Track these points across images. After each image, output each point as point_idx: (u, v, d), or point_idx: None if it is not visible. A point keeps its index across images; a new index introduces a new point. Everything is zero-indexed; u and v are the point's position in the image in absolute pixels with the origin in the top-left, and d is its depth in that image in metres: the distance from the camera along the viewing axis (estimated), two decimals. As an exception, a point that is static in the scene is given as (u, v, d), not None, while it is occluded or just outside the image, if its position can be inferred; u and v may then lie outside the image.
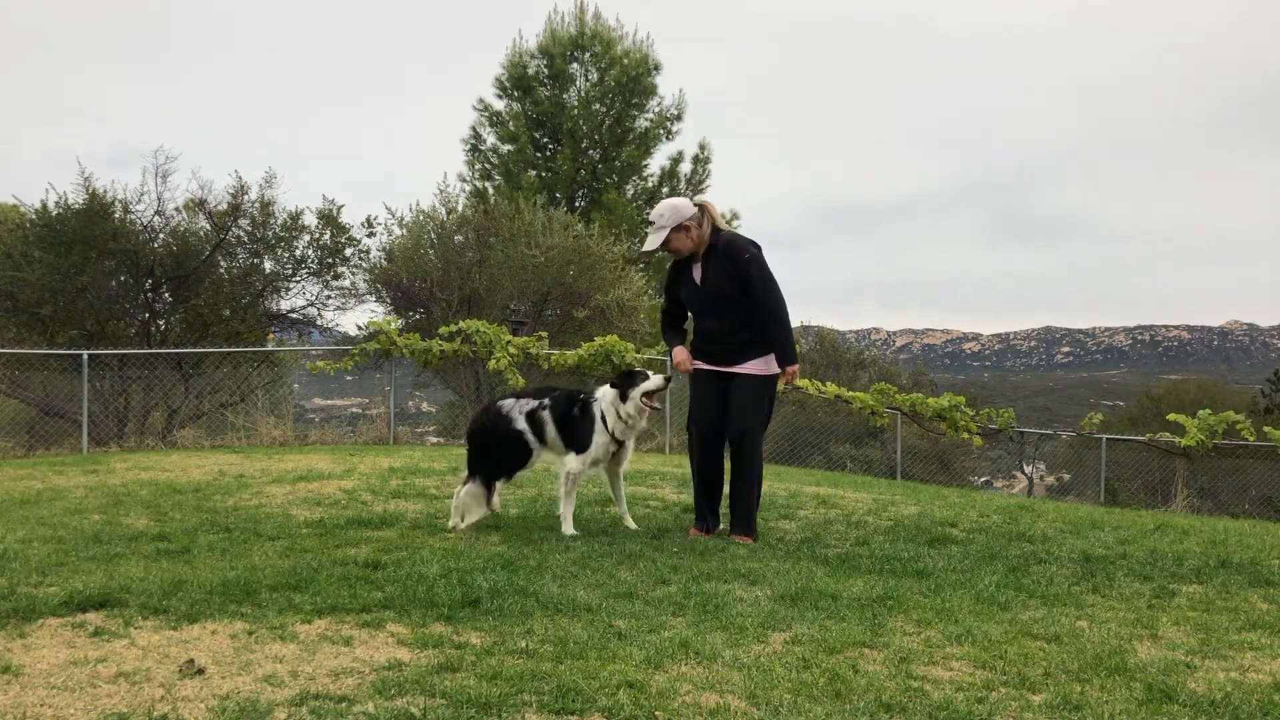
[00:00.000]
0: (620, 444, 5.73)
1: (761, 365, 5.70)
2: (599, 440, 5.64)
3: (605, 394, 5.69)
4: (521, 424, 5.67)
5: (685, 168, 25.00)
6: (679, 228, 5.60)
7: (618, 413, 5.59)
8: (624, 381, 5.65)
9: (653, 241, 5.71)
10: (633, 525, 5.81)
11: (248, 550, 4.98)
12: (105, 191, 14.38)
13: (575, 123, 24.14)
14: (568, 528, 5.55)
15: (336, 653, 3.29)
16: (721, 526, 5.82)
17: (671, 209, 5.62)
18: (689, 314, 5.94)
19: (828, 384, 14.83)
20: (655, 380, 5.61)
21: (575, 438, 5.63)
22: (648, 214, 5.80)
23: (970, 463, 19.25)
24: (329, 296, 16.07)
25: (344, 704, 2.80)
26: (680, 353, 5.85)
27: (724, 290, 5.65)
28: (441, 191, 20.00)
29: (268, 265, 15.72)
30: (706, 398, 5.73)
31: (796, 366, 5.79)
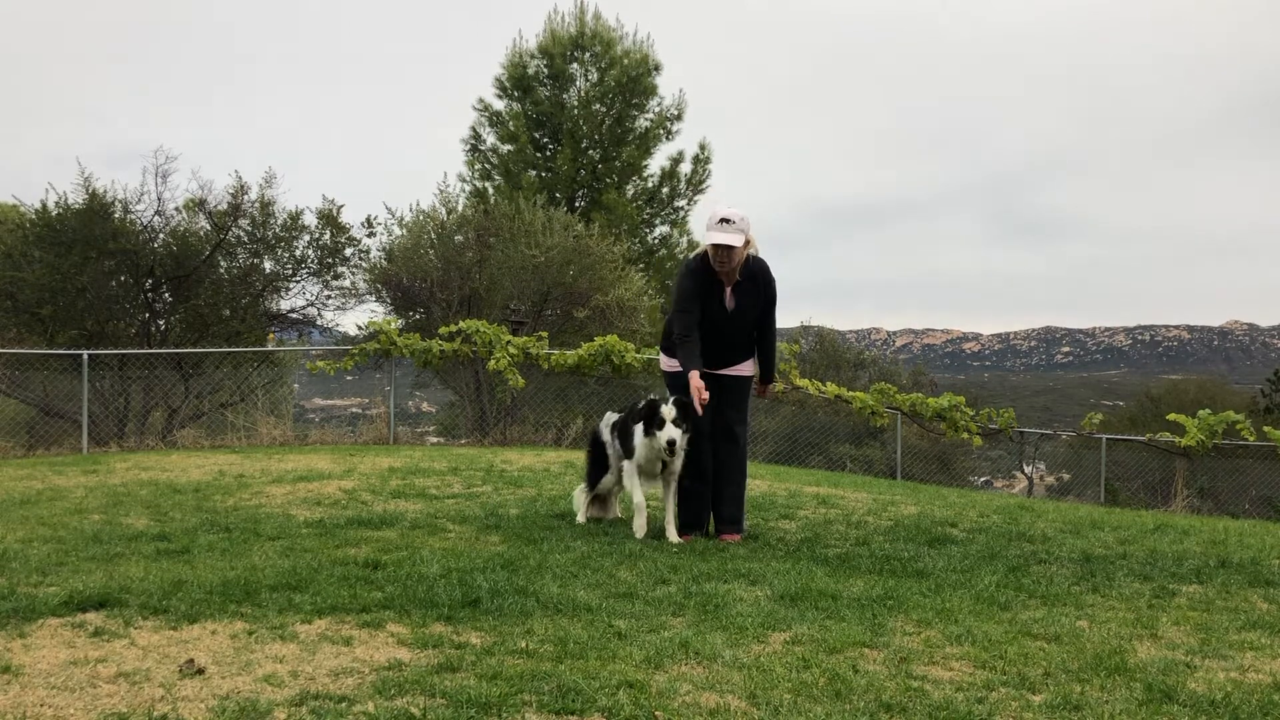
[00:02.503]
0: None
1: (749, 367, 5.86)
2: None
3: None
4: None
5: (685, 168, 25.03)
6: (746, 241, 5.53)
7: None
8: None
9: (733, 238, 5.45)
10: (674, 539, 5.55)
11: (248, 550, 4.98)
12: (105, 191, 14.40)
13: (575, 123, 24.14)
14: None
15: (336, 653, 3.29)
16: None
17: (747, 219, 5.53)
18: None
19: (828, 384, 14.83)
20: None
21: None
22: (719, 210, 5.56)
23: (970, 463, 19.24)
24: (329, 296, 16.08)
25: (344, 704, 2.80)
26: (698, 383, 5.42)
27: (750, 315, 5.71)
28: (441, 191, 20.03)
29: (268, 265, 15.72)
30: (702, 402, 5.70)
31: (773, 385, 6.20)
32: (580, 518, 6.09)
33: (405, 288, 16.49)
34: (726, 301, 5.66)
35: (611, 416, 6.17)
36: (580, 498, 6.23)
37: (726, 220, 5.49)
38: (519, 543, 5.29)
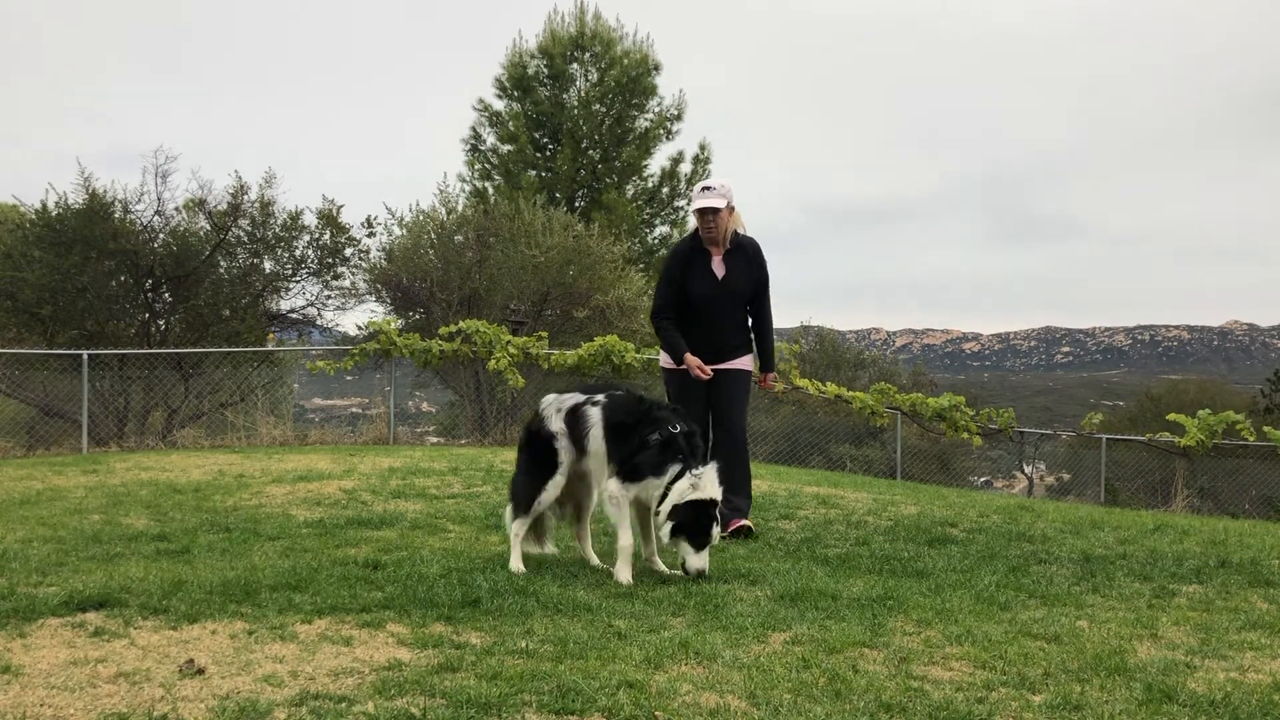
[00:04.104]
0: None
1: (748, 362, 5.94)
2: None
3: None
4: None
5: (685, 168, 25.03)
6: (729, 206, 5.69)
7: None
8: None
9: (714, 201, 5.63)
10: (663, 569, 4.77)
11: (248, 550, 4.98)
12: (105, 191, 14.40)
13: (575, 123, 24.14)
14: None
15: (336, 653, 3.29)
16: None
17: (729, 186, 5.71)
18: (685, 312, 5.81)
19: (828, 384, 14.83)
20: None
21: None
22: (702, 182, 5.90)
23: (970, 463, 19.23)
24: (329, 296, 16.09)
25: (344, 704, 2.80)
26: (694, 359, 5.65)
27: (742, 289, 5.78)
28: (441, 191, 20.03)
29: (268, 265, 15.72)
30: (697, 397, 5.75)
31: (773, 376, 6.17)
32: (515, 563, 4.63)
33: (405, 288, 16.49)
34: (716, 269, 5.74)
35: (561, 400, 4.86)
36: (515, 530, 4.74)
37: (708, 188, 5.72)
38: (519, 543, 5.28)
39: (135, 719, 2.69)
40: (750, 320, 5.96)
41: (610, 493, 4.56)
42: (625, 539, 4.51)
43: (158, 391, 13.69)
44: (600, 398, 4.74)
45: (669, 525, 4.44)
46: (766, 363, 6.07)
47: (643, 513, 4.72)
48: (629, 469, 4.53)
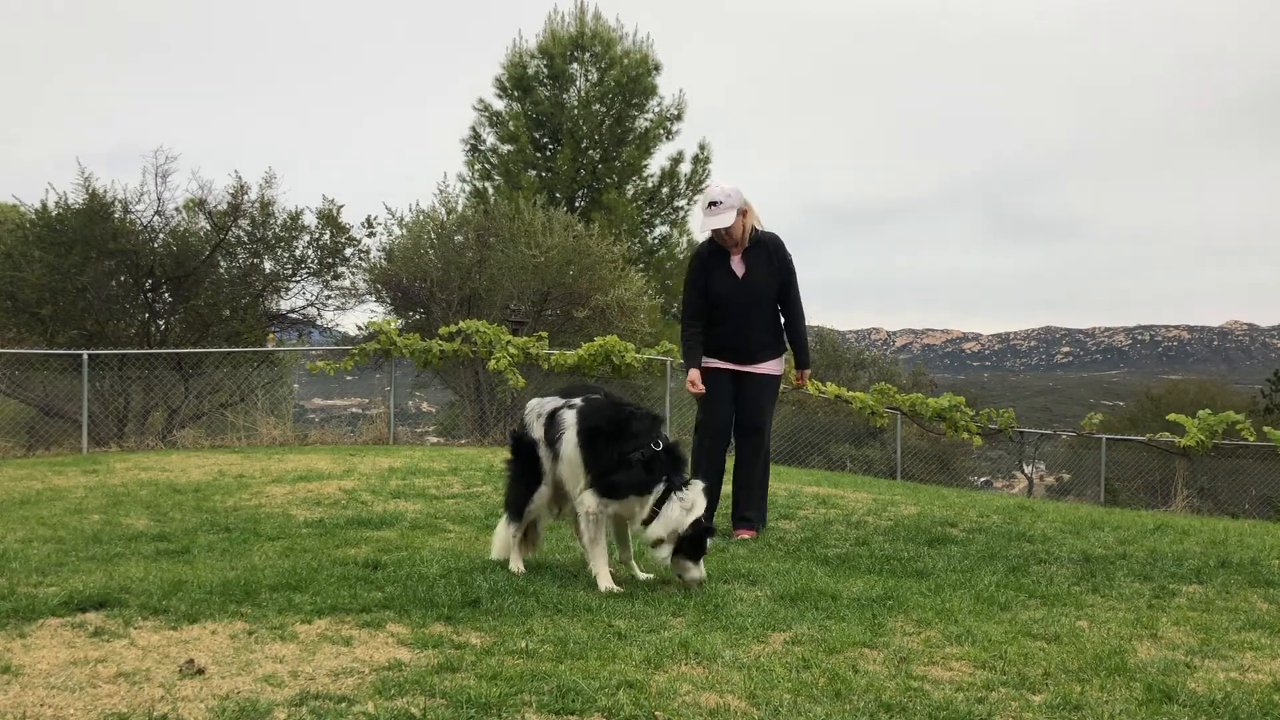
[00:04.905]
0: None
1: (777, 366, 5.86)
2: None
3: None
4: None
5: (685, 168, 25.04)
6: (741, 211, 5.58)
7: None
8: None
9: (726, 219, 5.52)
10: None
11: (248, 550, 4.98)
12: (105, 191, 14.41)
13: (575, 123, 24.15)
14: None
15: (336, 653, 3.29)
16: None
17: (736, 191, 5.58)
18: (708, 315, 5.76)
19: (828, 384, 14.84)
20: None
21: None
22: (706, 195, 5.63)
23: (970, 463, 19.23)
24: (329, 296, 16.10)
25: (344, 704, 2.80)
26: (696, 374, 5.66)
27: (766, 285, 5.69)
28: (441, 191, 20.03)
29: (268, 265, 15.73)
30: (722, 398, 5.73)
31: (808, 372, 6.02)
32: (515, 563, 4.64)
33: (405, 288, 16.50)
34: (735, 267, 5.66)
35: (542, 404, 4.76)
36: (504, 535, 4.74)
37: (715, 203, 5.58)
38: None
39: (135, 719, 2.69)
40: (781, 318, 5.88)
41: (589, 508, 4.38)
42: (601, 559, 4.37)
43: (158, 391, 13.69)
44: (577, 401, 4.58)
45: (669, 548, 4.31)
46: (800, 358, 5.98)
47: (619, 522, 4.57)
48: (608, 485, 4.34)
